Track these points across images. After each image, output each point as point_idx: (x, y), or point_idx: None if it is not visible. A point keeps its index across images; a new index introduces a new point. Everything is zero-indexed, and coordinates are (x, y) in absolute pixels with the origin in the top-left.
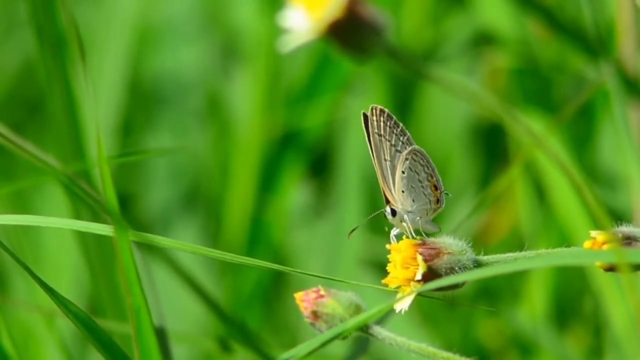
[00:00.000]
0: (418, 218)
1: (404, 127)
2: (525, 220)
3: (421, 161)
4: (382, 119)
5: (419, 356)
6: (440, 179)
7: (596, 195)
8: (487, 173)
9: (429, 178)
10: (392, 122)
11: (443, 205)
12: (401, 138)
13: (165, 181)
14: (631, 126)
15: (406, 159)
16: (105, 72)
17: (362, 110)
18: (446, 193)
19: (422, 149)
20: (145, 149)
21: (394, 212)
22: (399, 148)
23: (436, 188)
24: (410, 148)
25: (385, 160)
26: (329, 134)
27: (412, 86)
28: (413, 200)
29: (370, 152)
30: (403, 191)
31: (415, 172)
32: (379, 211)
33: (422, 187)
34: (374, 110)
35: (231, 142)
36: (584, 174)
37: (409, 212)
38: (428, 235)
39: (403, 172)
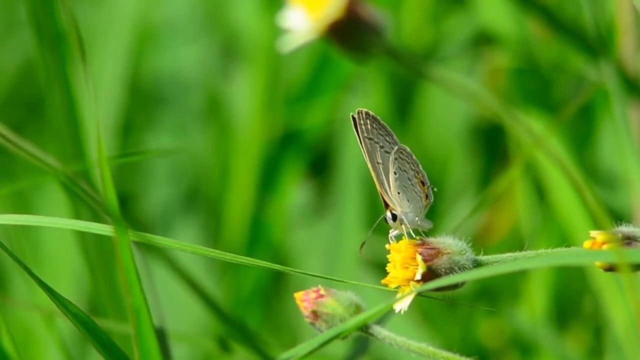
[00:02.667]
0: (416, 218)
1: (388, 128)
2: (525, 220)
3: (407, 159)
4: (368, 121)
5: (419, 356)
6: (425, 173)
7: (596, 195)
8: (487, 173)
9: (416, 175)
10: (378, 124)
11: (432, 200)
12: (387, 139)
13: (165, 181)
14: (631, 126)
15: (395, 159)
16: (105, 72)
17: (351, 114)
18: (432, 187)
19: (406, 147)
20: (145, 149)
21: (394, 217)
22: (387, 149)
23: (423, 183)
24: (396, 147)
25: (378, 163)
26: (329, 134)
27: (412, 86)
28: (408, 201)
29: (365, 157)
30: (399, 193)
31: (404, 170)
32: (380, 218)
33: (412, 184)
34: (360, 115)
35: (231, 142)
36: (584, 174)
37: (407, 213)
38: (427, 234)
39: (395, 173)
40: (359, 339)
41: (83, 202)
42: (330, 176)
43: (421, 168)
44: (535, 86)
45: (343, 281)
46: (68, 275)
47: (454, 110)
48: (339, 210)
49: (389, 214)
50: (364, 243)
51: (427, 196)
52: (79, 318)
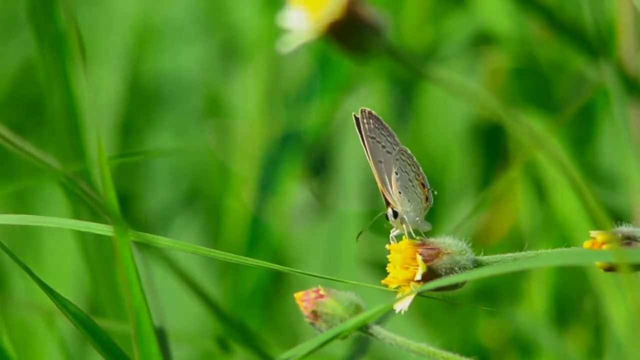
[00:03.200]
0: (417, 218)
1: (390, 129)
2: (525, 220)
3: (408, 161)
4: (371, 121)
5: (419, 356)
6: (425, 176)
7: (596, 195)
8: (487, 173)
9: (416, 177)
10: (381, 124)
11: (431, 203)
12: (389, 139)
13: (165, 181)
14: (631, 126)
15: (396, 160)
16: (105, 72)
17: (353, 113)
18: (432, 191)
19: (407, 148)
20: (145, 149)
21: (395, 214)
22: (389, 150)
23: (423, 186)
24: (397, 149)
25: (380, 162)
26: (329, 134)
27: (412, 86)
28: (409, 201)
29: (367, 155)
30: (400, 192)
31: (405, 172)
32: (380, 214)
33: (413, 186)
34: (363, 113)
35: (231, 142)
36: (584, 174)
37: (408, 212)
38: (426, 235)
39: (396, 173)
40: (359, 339)
41: (83, 202)
42: (330, 176)
43: (421, 170)
44: (535, 86)
45: (343, 281)
46: (68, 275)
47: (454, 110)
48: (339, 210)
49: (390, 211)
50: (361, 232)
51: (427, 198)
52: (79, 318)
